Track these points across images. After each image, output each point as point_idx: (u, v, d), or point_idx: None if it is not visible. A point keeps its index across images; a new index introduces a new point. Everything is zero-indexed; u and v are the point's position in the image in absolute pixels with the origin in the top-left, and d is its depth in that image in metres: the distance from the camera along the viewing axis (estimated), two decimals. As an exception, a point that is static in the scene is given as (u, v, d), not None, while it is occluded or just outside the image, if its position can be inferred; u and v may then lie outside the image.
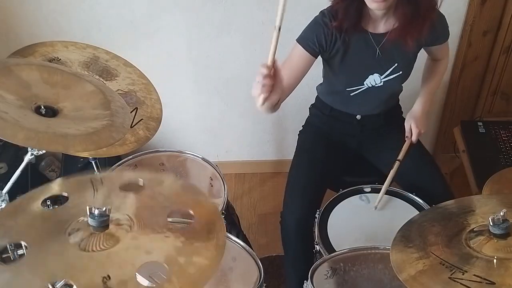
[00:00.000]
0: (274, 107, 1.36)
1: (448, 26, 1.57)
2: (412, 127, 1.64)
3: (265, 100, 1.20)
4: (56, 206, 0.98)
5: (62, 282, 0.92)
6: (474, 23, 2.11)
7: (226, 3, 2.06)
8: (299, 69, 1.52)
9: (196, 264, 0.85)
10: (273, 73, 1.16)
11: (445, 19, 1.54)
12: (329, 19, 1.48)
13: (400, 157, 1.61)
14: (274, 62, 1.13)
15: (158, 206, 0.97)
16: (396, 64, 1.56)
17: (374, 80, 1.58)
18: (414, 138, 1.64)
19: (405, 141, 1.66)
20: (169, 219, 0.93)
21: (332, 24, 1.47)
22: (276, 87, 1.20)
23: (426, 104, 1.69)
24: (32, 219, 0.92)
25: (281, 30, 1.06)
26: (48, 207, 1.01)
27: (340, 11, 1.46)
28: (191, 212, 0.94)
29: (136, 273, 0.81)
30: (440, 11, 1.50)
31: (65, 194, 0.98)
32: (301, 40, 1.52)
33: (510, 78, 2.28)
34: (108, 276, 0.79)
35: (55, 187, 1.00)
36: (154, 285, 0.93)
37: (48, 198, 0.98)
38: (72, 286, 0.78)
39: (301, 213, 1.58)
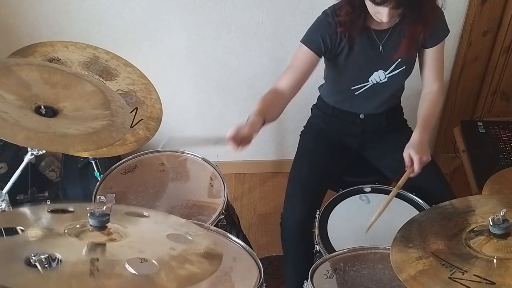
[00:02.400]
0: (272, 119, 1.54)
1: (446, 22, 1.56)
2: (412, 155, 1.47)
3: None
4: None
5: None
6: (474, 23, 2.11)
7: (226, 3, 2.05)
8: (304, 70, 1.53)
9: (188, 269, 0.85)
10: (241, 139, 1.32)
11: (443, 14, 1.54)
12: (332, 18, 1.49)
13: (400, 183, 1.48)
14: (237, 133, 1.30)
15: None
16: (399, 59, 1.56)
17: (378, 76, 1.59)
18: (416, 167, 1.47)
19: (405, 171, 1.50)
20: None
21: (336, 20, 1.48)
22: (247, 142, 1.35)
23: (423, 134, 1.53)
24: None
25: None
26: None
27: (344, 10, 1.46)
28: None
29: (126, 262, 0.81)
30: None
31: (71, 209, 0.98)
32: (306, 40, 1.53)
33: (510, 78, 2.28)
34: (97, 258, 0.79)
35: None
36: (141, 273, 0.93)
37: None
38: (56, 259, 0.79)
39: (301, 213, 1.58)
